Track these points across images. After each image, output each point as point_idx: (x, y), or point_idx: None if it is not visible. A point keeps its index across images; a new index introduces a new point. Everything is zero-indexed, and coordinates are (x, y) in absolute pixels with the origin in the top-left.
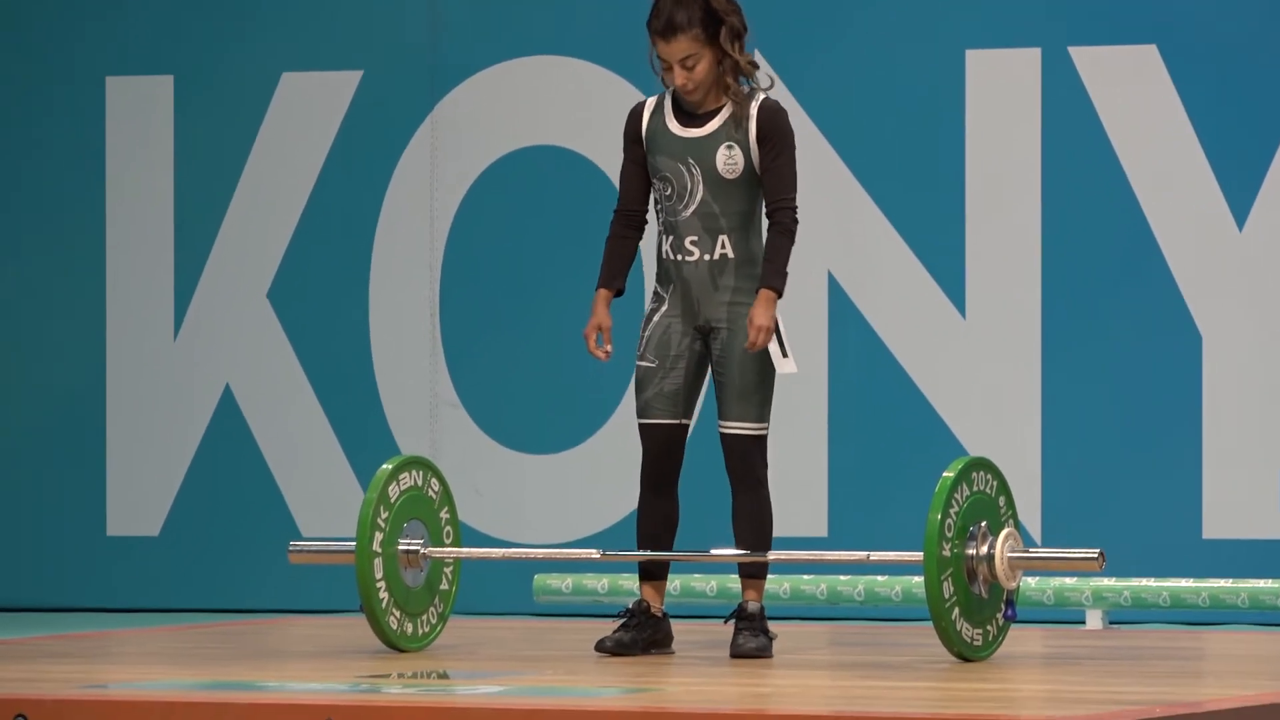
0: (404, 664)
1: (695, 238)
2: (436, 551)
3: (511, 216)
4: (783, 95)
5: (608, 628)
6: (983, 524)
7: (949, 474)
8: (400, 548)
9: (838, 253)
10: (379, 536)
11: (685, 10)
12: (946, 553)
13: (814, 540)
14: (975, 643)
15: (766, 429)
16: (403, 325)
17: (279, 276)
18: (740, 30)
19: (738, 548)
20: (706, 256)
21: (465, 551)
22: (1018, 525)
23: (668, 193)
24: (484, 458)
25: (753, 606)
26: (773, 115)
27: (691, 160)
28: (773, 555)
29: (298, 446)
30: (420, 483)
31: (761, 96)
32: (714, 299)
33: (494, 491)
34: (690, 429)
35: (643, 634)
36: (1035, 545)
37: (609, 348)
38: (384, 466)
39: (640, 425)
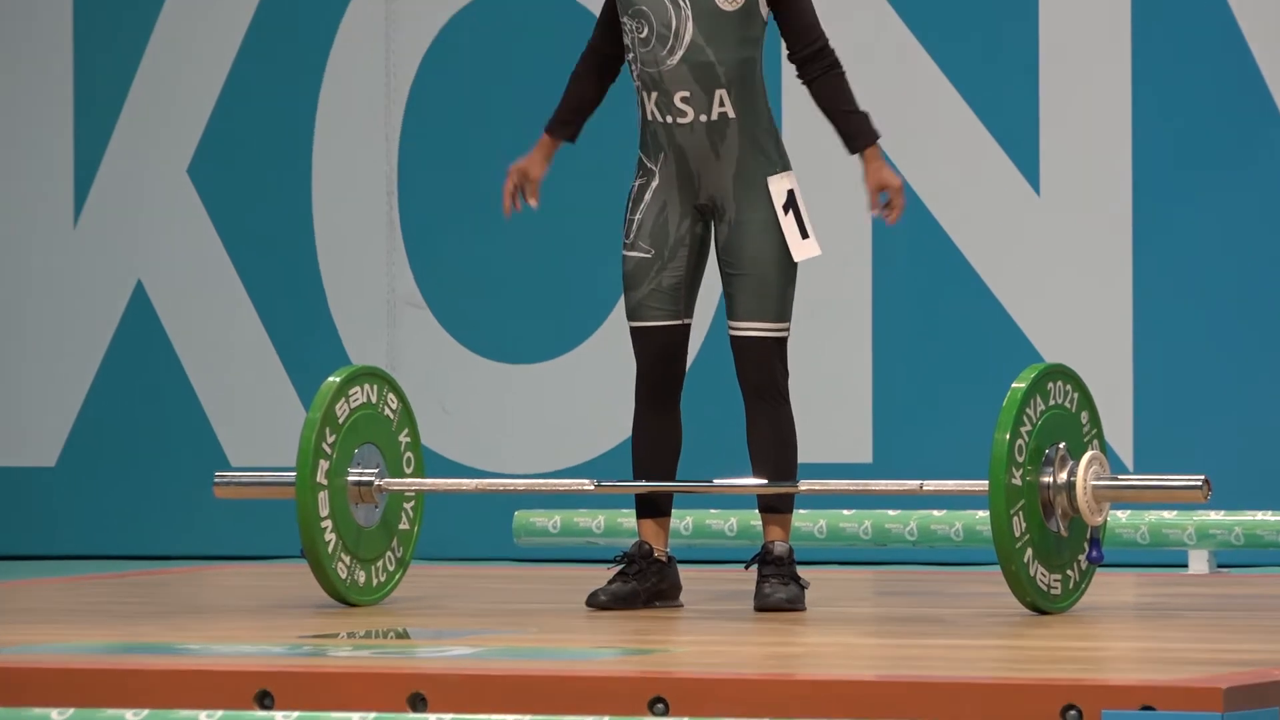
0: (355, 621)
1: (686, 93)
2: (394, 483)
3: (482, 76)
4: None
5: (602, 577)
6: (1061, 446)
7: (1020, 384)
8: (350, 479)
9: (882, 111)
10: (324, 465)
11: None
12: (1017, 481)
13: (856, 468)
14: (1052, 591)
15: (788, 330)
16: (353, 208)
17: (202, 149)
18: None
19: (756, 476)
20: (703, 117)
21: (430, 483)
22: (1104, 447)
23: (644, 34)
24: (453, 369)
25: (780, 548)
26: None
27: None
28: (804, 485)
29: (226, 357)
30: (374, 399)
31: None
32: (716, 170)
33: (465, 410)
34: (691, 329)
35: (644, 583)
36: (1125, 472)
37: (533, 202)
38: (330, 379)
39: (632, 329)
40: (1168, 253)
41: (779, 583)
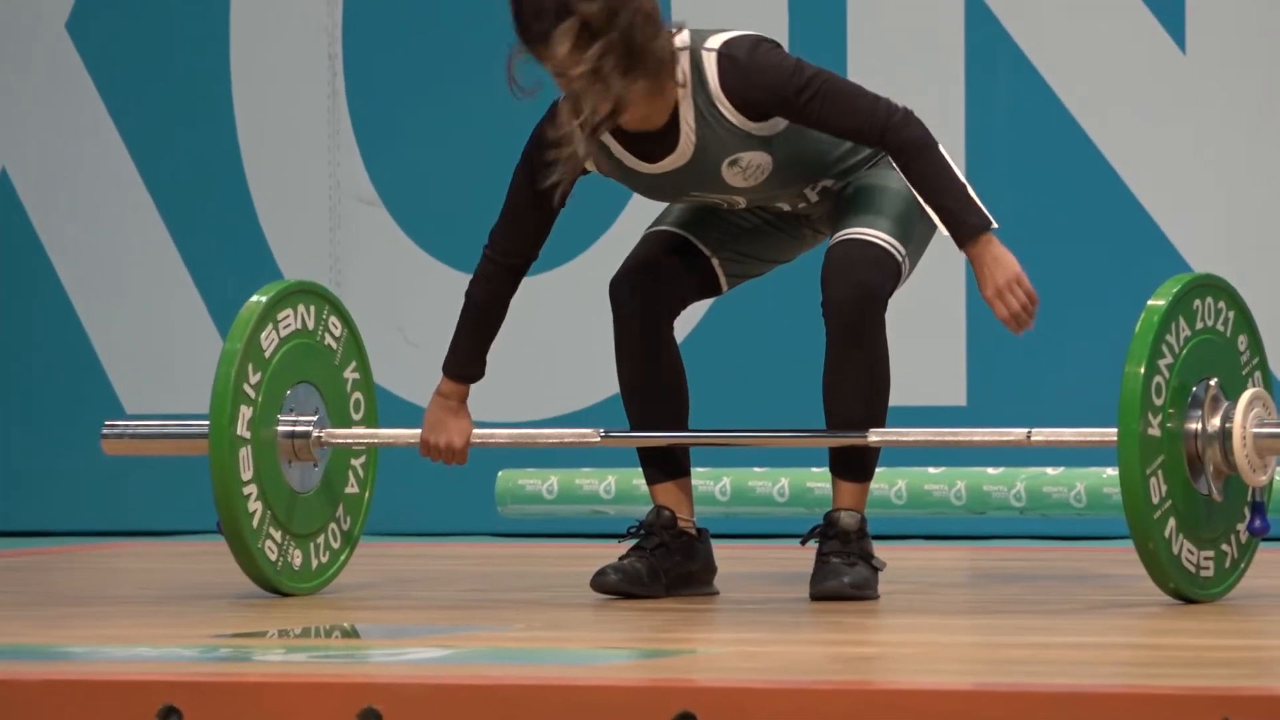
0: (289, 615)
1: (767, 204)
2: (339, 434)
3: None
4: None
5: (612, 554)
6: (1212, 382)
7: (1158, 301)
8: (281, 429)
9: None
10: (246, 412)
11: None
12: (1155, 430)
13: (946, 412)
14: (1203, 572)
15: (904, 257)
16: (287, 77)
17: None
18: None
19: (830, 425)
20: (787, 208)
21: (386, 434)
22: (1269, 383)
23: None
24: (416, 285)
25: (848, 519)
26: (749, 77)
27: (696, 193)
28: (875, 436)
29: (119, 273)
30: (311, 324)
31: (711, 61)
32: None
33: (431, 340)
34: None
35: (666, 562)
36: None
37: (463, 460)
38: (253, 299)
39: (647, 232)
40: None
41: (844, 563)
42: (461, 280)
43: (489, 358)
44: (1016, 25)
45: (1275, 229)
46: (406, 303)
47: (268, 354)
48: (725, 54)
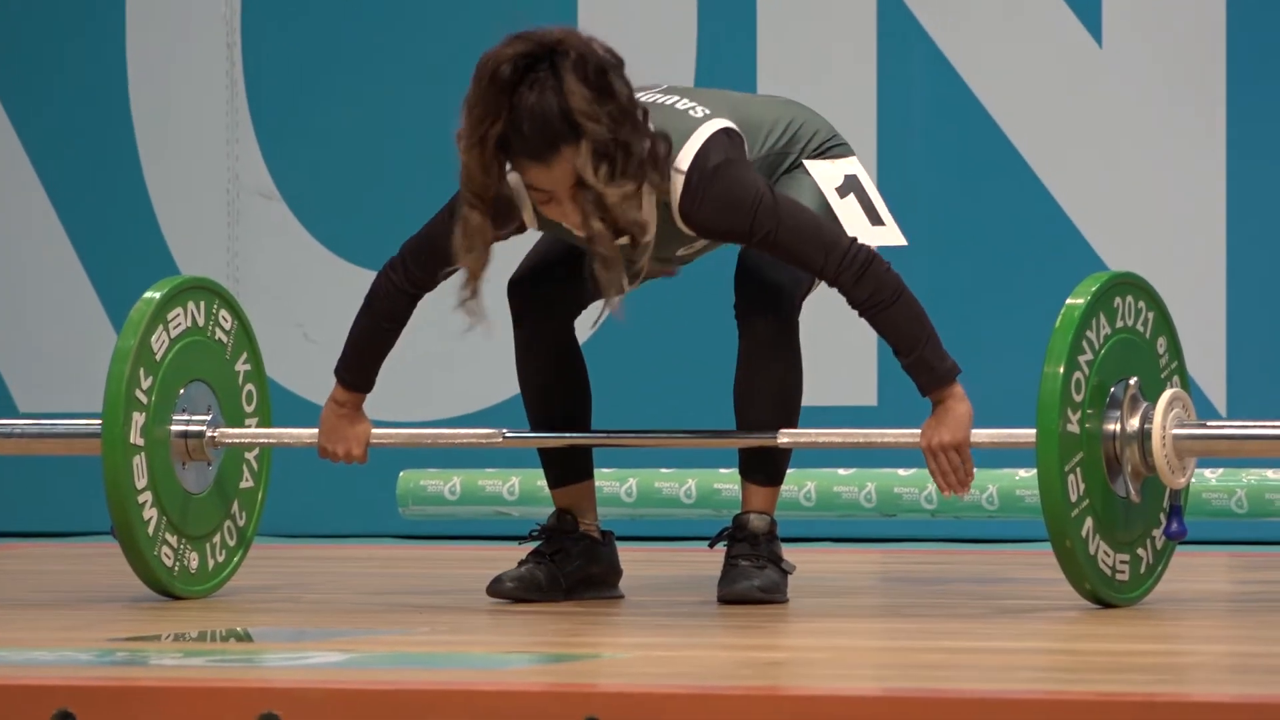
0: (183, 618)
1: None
2: (234, 434)
3: None
4: None
5: (516, 556)
6: (1132, 382)
7: (1077, 300)
8: (174, 429)
9: None
10: (139, 416)
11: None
12: (1074, 427)
13: (857, 412)
14: (1118, 576)
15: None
16: (185, 67)
17: None
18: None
19: (741, 428)
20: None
21: (281, 433)
22: (1186, 384)
23: None
24: (316, 281)
25: (757, 522)
26: (708, 208)
27: (644, 280)
28: (784, 438)
29: (11, 268)
30: (202, 320)
31: (677, 181)
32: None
33: (331, 336)
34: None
35: (567, 566)
36: (1216, 417)
37: (363, 461)
38: (146, 295)
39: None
40: (1275, 125)
41: (753, 566)
42: (362, 276)
43: (387, 360)
44: (931, 19)
45: (1192, 228)
46: (306, 299)
47: (159, 355)
48: (690, 179)
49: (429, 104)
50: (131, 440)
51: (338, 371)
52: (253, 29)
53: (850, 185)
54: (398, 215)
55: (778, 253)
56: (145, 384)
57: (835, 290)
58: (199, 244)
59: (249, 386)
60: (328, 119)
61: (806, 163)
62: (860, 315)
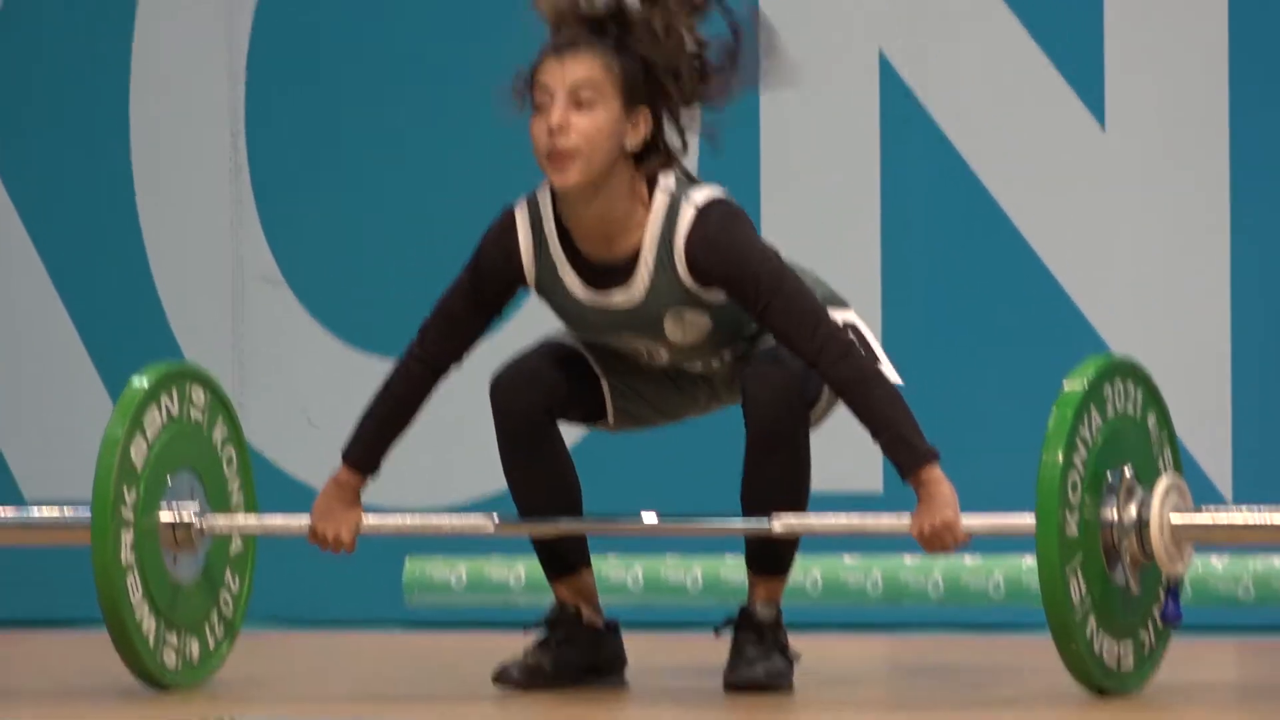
0: (172, 713)
1: (678, 369)
2: (223, 522)
3: None
4: None
5: (522, 644)
6: (1127, 470)
7: (1074, 385)
8: (163, 519)
9: (892, 25)
10: (130, 500)
11: (606, 35)
12: (1073, 529)
13: (862, 499)
14: (1120, 666)
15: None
16: (189, 153)
17: None
18: (689, 95)
19: (747, 516)
20: (699, 368)
21: (270, 522)
22: (1178, 458)
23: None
24: (320, 366)
25: (763, 611)
26: (716, 251)
27: (628, 334)
28: (778, 522)
29: (15, 352)
30: (178, 409)
31: (688, 213)
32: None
33: (335, 422)
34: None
35: (572, 655)
36: (1220, 502)
37: (350, 550)
38: (134, 383)
39: (544, 339)
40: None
41: (758, 653)
42: (366, 362)
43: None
44: (933, 101)
45: (1196, 309)
46: (310, 384)
47: (151, 439)
48: (701, 216)
49: (434, 189)
50: (121, 519)
51: (345, 452)
52: (256, 114)
53: (849, 328)
54: (403, 301)
55: (771, 317)
56: (138, 464)
57: (815, 369)
58: (203, 329)
59: (229, 450)
60: (332, 204)
61: None
62: (839, 394)
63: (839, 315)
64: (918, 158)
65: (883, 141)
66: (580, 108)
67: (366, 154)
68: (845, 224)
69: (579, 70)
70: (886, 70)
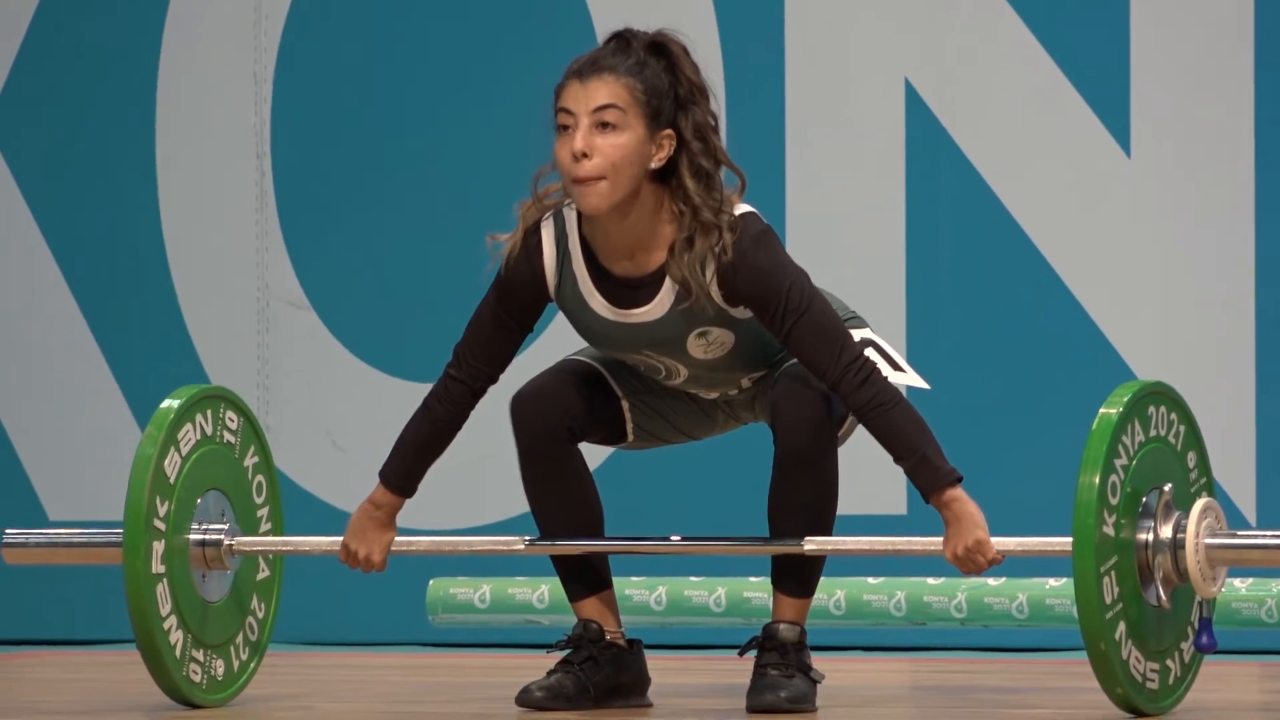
0: None
1: (696, 390)
2: (251, 542)
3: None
4: None
5: (546, 665)
6: (1166, 490)
7: (1110, 410)
8: (192, 538)
9: (918, 53)
10: (162, 511)
11: (629, 57)
12: (1109, 529)
13: (887, 520)
14: (1150, 684)
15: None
16: (215, 176)
17: (5, 96)
18: (707, 126)
19: (773, 536)
20: (715, 395)
21: (300, 541)
22: (1214, 493)
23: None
24: (346, 390)
25: (787, 632)
26: (746, 269)
27: (649, 352)
28: (810, 545)
29: (43, 376)
30: (211, 429)
31: (725, 241)
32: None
33: (361, 444)
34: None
35: (595, 675)
36: (1246, 527)
37: (381, 569)
38: (166, 404)
39: (564, 359)
40: None
41: (782, 675)
42: (391, 385)
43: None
44: (959, 128)
45: (1222, 338)
46: (335, 407)
47: (182, 460)
48: (730, 233)
49: (459, 214)
50: (152, 539)
51: (382, 473)
52: (282, 138)
53: (867, 343)
54: (427, 325)
55: (796, 337)
56: (162, 509)
57: (836, 391)
58: (229, 353)
59: (259, 478)
60: (357, 229)
61: None
62: (860, 418)
63: (857, 333)
64: (943, 185)
65: (908, 169)
66: (604, 130)
67: (391, 179)
68: (871, 250)
69: (602, 93)
70: (913, 98)
